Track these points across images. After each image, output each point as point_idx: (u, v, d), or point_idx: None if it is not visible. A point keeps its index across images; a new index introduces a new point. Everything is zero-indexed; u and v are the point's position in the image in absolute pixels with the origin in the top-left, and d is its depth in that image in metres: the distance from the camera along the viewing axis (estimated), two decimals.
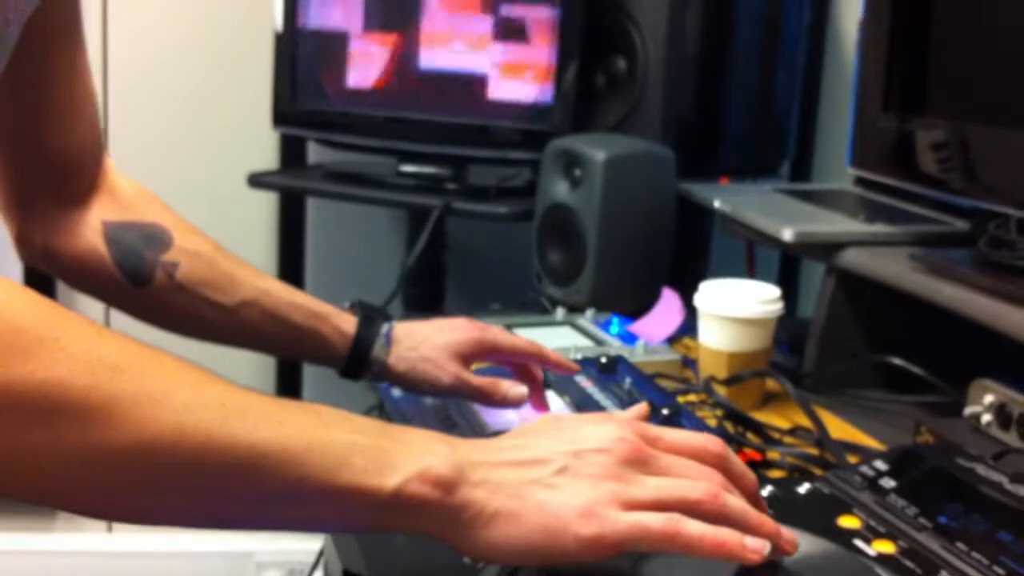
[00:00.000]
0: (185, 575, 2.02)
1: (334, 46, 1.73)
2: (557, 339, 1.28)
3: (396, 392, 1.07)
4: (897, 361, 1.14)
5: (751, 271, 1.60)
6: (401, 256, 1.84)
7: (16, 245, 0.94)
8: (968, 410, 1.05)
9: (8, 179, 0.91)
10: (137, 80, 1.94)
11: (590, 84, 1.67)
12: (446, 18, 1.68)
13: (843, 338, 1.23)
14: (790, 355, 1.28)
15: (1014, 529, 0.75)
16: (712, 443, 0.67)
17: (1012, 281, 1.01)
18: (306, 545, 1.69)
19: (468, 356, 0.98)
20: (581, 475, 0.62)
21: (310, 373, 2.02)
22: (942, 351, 1.11)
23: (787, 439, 1.04)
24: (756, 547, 0.61)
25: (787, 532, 0.65)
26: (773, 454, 0.99)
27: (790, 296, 1.76)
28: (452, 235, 1.81)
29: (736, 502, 0.63)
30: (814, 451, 1.00)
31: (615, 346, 1.26)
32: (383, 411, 1.08)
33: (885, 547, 0.74)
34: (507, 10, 1.65)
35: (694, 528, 0.60)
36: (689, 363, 1.25)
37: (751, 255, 1.59)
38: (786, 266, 1.84)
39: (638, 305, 1.40)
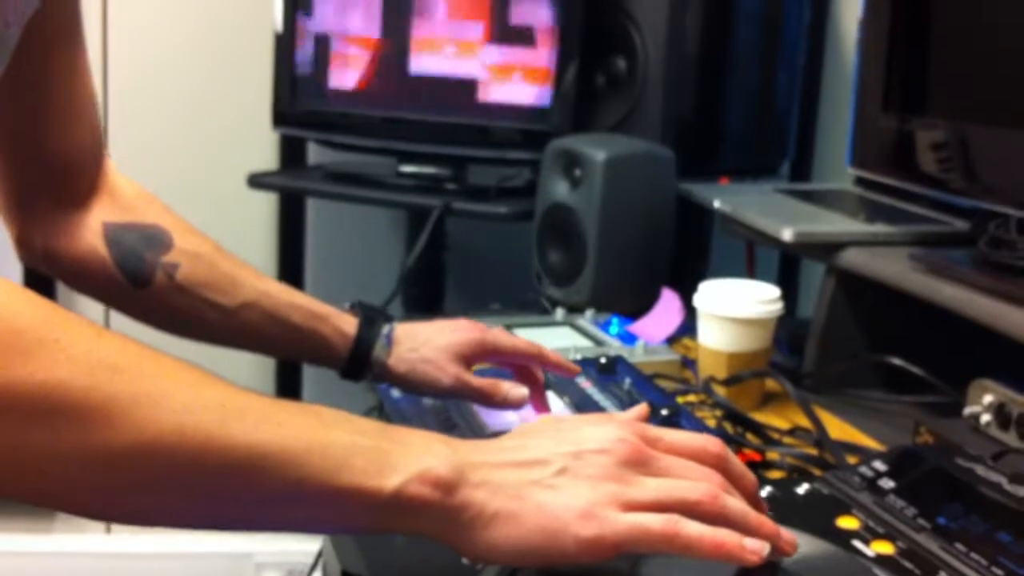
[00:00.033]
0: None
1: (334, 47, 1.72)
2: (557, 339, 1.28)
3: (395, 393, 1.07)
4: (897, 361, 1.14)
5: (751, 271, 1.60)
6: (401, 256, 1.84)
7: (16, 247, 0.94)
8: (967, 410, 1.05)
9: (8, 180, 0.91)
10: (137, 81, 1.94)
11: (590, 84, 1.67)
12: (446, 20, 1.68)
13: (843, 338, 1.23)
14: (790, 355, 1.28)
15: (1013, 530, 0.75)
16: (712, 444, 0.67)
17: (1012, 281, 1.01)
18: (305, 546, 1.69)
19: (469, 357, 0.98)
20: (581, 476, 0.62)
21: (309, 374, 2.02)
22: (942, 351, 1.11)
23: (786, 439, 1.04)
24: (755, 548, 0.61)
25: (786, 533, 0.65)
26: (772, 454, 0.99)
27: (790, 296, 1.76)
28: (452, 235, 1.81)
29: (735, 503, 0.63)
30: (813, 451, 1.00)
31: (615, 346, 1.26)
32: (382, 412, 1.08)
33: (884, 548, 0.74)
34: (508, 11, 1.65)
35: (693, 529, 0.60)
36: (688, 363, 1.25)
37: (751, 255, 1.59)
38: (786, 266, 1.84)
39: (638, 305, 1.40)
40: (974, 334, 1.02)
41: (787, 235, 1.24)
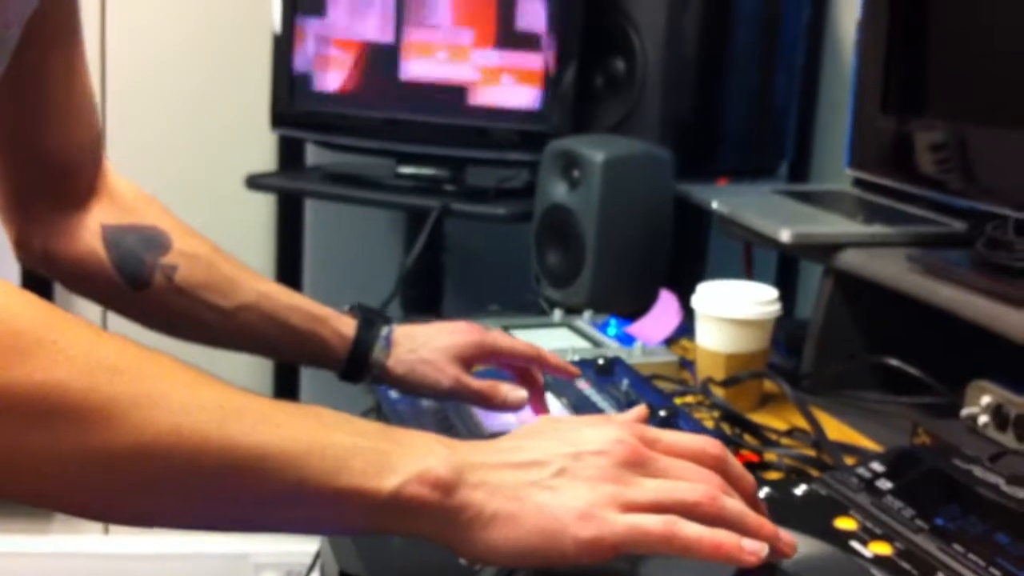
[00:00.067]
0: None
1: (333, 48, 1.72)
2: (555, 340, 1.28)
3: (393, 394, 1.07)
4: (894, 362, 1.14)
5: (749, 272, 1.60)
6: (399, 257, 1.84)
7: (15, 248, 0.94)
8: (965, 411, 1.05)
9: (7, 182, 0.91)
10: (135, 82, 1.94)
11: (589, 85, 1.67)
12: (445, 23, 1.68)
13: (841, 339, 1.23)
14: (788, 356, 1.28)
15: (1011, 531, 0.75)
16: (711, 445, 0.67)
17: (1009, 282, 1.01)
18: (303, 547, 1.69)
19: (468, 359, 0.98)
20: (580, 477, 0.62)
21: (307, 375, 2.02)
22: (939, 352, 1.11)
23: (784, 440, 1.04)
24: (754, 549, 0.61)
25: (785, 534, 0.65)
26: (770, 455, 0.99)
27: (788, 297, 1.76)
28: (450, 236, 1.81)
29: (734, 504, 0.63)
30: (811, 452, 1.00)
31: (613, 347, 1.26)
32: (380, 413, 1.08)
33: (882, 549, 0.74)
34: (507, 13, 1.65)
35: (692, 530, 0.60)
36: (687, 364, 1.25)
37: (749, 256, 1.59)
38: (784, 267, 1.84)
39: (636, 306, 1.40)
40: (972, 335, 1.02)
41: (785, 236, 1.24)
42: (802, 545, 0.67)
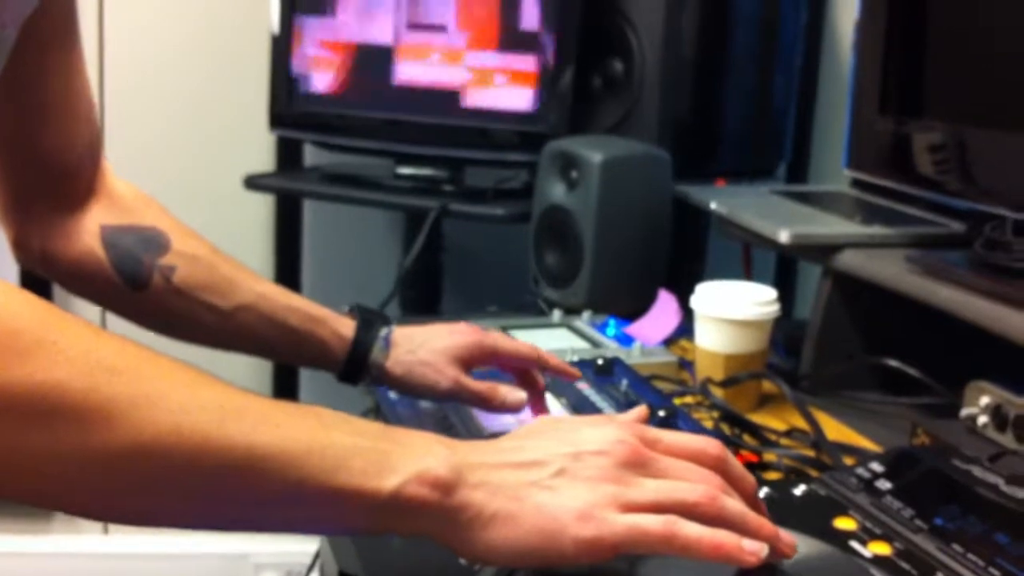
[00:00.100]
0: None
1: (332, 48, 1.72)
2: (553, 341, 1.28)
3: (392, 395, 1.07)
4: (893, 363, 1.14)
5: (747, 273, 1.60)
6: (398, 258, 1.84)
7: (13, 249, 0.93)
8: (964, 412, 1.05)
9: (5, 183, 0.91)
10: (133, 82, 1.94)
11: (587, 86, 1.67)
12: (450, 24, 1.68)
13: (839, 340, 1.23)
14: (786, 357, 1.28)
15: (1010, 531, 0.75)
16: (711, 446, 0.67)
17: (1008, 283, 1.01)
18: (303, 547, 1.69)
19: (467, 360, 0.98)
20: (579, 477, 0.62)
21: (306, 376, 2.02)
22: (938, 353, 1.11)
23: (783, 441, 1.04)
24: (754, 549, 0.61)
25: (786, 535, 0.65)
26: (769, 456, 0.99)
27: (786, 298, 1.76)
28: (449, 237, 1.81)
29: (734, 504, 0.63)
30: (810, 453, 1.00)
31: (611, 348, 1.26)
32: (379, 413, 1.08)
33: (881, 549, 0.74)
34: (506, 14, 1.65)
35: (692, 530, 0.60)
36: (685, 365, 1.25)
37: (747, 257, 1.59)
38: (782, 268, 1.84)
39: (635, 307, 1.40)
40: (970, 336, 1.02)
41: (783, 237, 1.24)
42: (801, 545, 0.67)
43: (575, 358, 1.17)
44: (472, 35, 1.66)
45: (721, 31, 1.67)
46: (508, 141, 1.67)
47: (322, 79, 1.73)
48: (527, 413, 0.99)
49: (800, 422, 1.06)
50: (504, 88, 1.65)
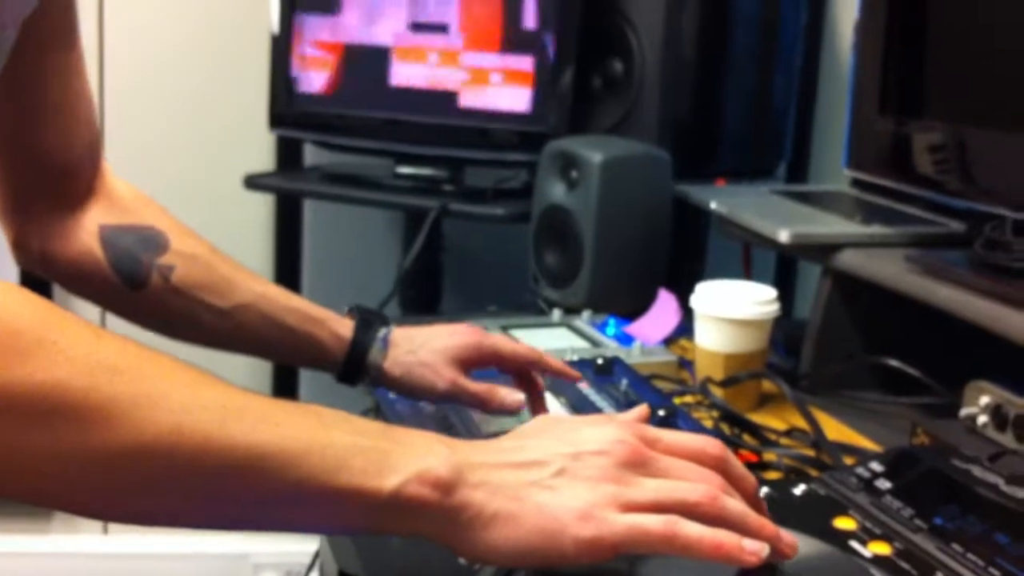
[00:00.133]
0: None
1: (332, 49, 1.73)
2: (553, 341, 1.28)
3: (392, 395, 1.07)
4: (893, 362, 1.14)
5: (747, 272, 1.60)
6: (398, 258, 1.84)
7: (12, 250, 0.93)
8: (964, 411, 1.05)
9: (5, 183, 0.90)
10: (133, 82, 1.94)
11: (587, 86, 1.67)
12: (447, 23, 1.68)
13: (839, 339, 1.23)
14: (786, 356, 1.28)
15: (1010, 531, 0.75)
16: (711, 445, 0.67)
17: (1008, 283, 1.01)
18: (303, 547, 1.69)
19: (466, 362, 0.97)
20: (580, 477, 0.62)
21: (306, 376, 2.02)
22: (938, 352, 1.11)
23: (783, 440, 1.04)
24: (754, 549, 0.61)
25: (786, 535, 0.65)
26: (769, 455, 0.99)
27: (786, 297, 1.76)
28: (449, 237, 1.81)
29: (735, 504, 0.63)
30: (810, 452, 1.00)
31: (611, 347, 1.26)
32: (379, 413, 1.08)
33: (881, 548, 0.74)
34: (506, 14, 1.65)
35: (692, 530, 0.60)
36: (685, 364, 1.25)
37: (747, 256, 1.59)
38: (782, 267, 1.84)
39: (635, 306, 1.40)
40: (970, 335, 1.02)
41: (783, 236, 1.24)
42: (801, 545, 0.67)
43: (575, 358, 1.17)
44: (472, 35, 1.66)
45: (721, 31, 1.67)
46: (508, 141, 1.67)
47: (322, 79, 1.73)
48: (527, 415, 0.99)
49: (800, 422, 1.06)
50: (502, 88, 1.65)
